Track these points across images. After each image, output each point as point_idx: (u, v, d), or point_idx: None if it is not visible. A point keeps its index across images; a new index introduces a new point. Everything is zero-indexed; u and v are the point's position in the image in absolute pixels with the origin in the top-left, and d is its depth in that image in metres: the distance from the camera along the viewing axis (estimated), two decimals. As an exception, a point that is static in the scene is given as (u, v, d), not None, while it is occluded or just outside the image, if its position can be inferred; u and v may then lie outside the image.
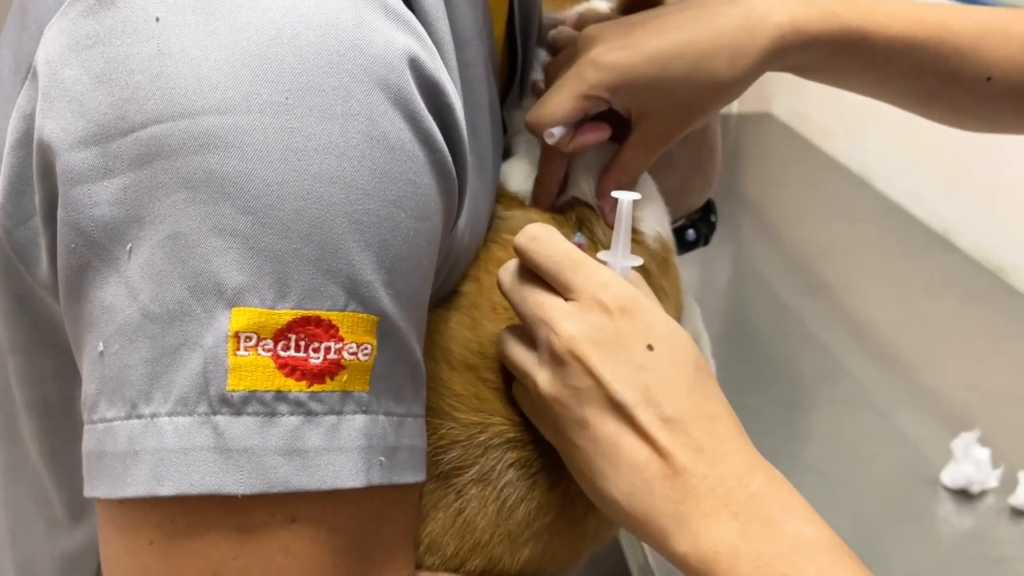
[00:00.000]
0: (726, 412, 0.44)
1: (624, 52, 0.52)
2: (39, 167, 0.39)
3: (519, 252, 0.47)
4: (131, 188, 0.36)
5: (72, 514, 0.54)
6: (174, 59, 0.35)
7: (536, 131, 0.54)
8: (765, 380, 1.12)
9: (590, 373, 0.43)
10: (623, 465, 0.42)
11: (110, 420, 0.37)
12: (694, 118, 0.55)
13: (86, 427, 0.38)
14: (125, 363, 0.36)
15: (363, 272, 0.37)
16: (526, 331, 0.47)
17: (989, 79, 0.57)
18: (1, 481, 0.58)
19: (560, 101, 0.53)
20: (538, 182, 0.58)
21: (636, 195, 0.48)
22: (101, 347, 0.37)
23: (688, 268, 0.63)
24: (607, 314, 0.44)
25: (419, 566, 0.48)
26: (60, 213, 0.38)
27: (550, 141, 0.53)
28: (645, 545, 0.87)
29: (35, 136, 0.38)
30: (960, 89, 0.58)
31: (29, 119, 0.39)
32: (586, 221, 0.56)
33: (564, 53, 0.59)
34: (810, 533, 0.41)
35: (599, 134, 0.55)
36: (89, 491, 0.38)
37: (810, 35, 0.53)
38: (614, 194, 0.48)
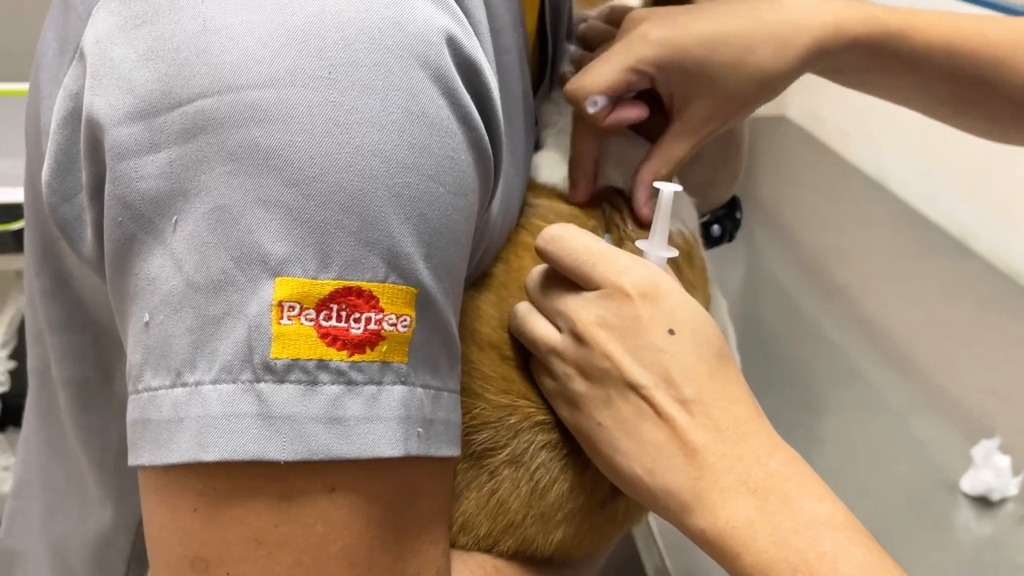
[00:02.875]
0: (746, 396, 0.45)
1: (675, 31, 0.53)
2: (87, 143, 0.39)
3: (541, 254, 0.48)
4: (177, 161, 0.36)
5: (104, 493, 0.55)
6: (219, 35, 0.36)
7: (577, 98, 0.54)
8: (781, 383, 1.12)
9: (608, 356, 0.44)
10: (645, 444, 0.44)
11: (155, 389, 0.37)
12: (737, 111, 0.55)
13: (131, 397, 0.39)
14: (170, 333, 0.37)
15: (403, 244, 0.37)
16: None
17: None
18: (40, 460, 0.59)
19: (606, 71, 0.53)
20: (573, 164, 0.58)
21: (678, 187, 0.48)
22: (147, 318, 0.38)
23: (712, 290, 0.62)
24: (627, 299, 0.45)
25: (453, 545, 0.48)
26: (108, 187, 0.38)
27: (591, 109, 0.53)
28: (662, 547, 0.86)
29: (83, 113, 0.39)
30: (998, 97, 0.58)
31: (76, 98, 0.40)
32: (616, 214, 0.56)
33: (602, 39, 0.60)
34: (826, 510, 0.41)
35: (638, 111, 0.55)
36: (133, 459, 0.38)
37: (852, 35, 0.54)
38: (656, 184, 0.48)
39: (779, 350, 1.20)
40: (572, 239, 0.47)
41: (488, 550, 0.49)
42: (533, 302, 0.49)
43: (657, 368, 0.44)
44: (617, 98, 0.54)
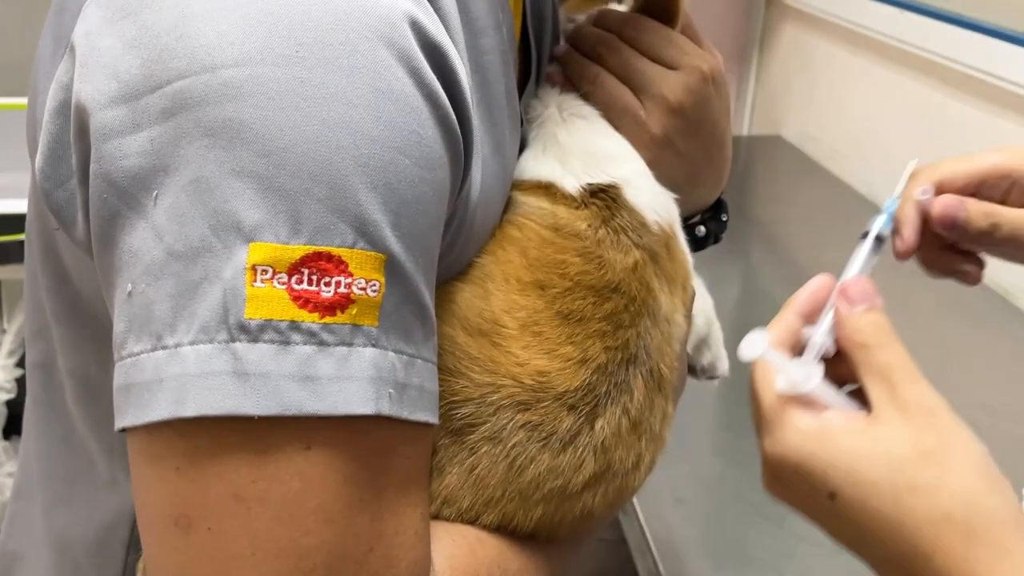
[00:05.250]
0: (944, 541, 0.39)
1: None
2: (76, 129, 0.41)
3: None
4: (157, 139, 0.39)
5: (113, 479, 0.56)
6: (196, 21, 0.39)
7: None
8: (774, 395, 1.13)
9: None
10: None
11: (137, 354, 0.39)
12: None
13: (116, 366, 0.41)
14: (151, 299, 0.39)
15: (370, 212, 0.39)
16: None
17: None
18: (41, 456, 0.60)
19: None
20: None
21: (762, 339, 0.45)
22: (129, 288, 0.40)
23: (697, 287, 0.64)
24: (784, 474, 0.43)
25: (437, 517, 0.50)
26: (92, 167, 0.40)
27: None
28: (655, 552, 0.88)
29: (72, 101, 0.41)
30: None
31: (67, 89, 0.42)
32: (607, 212, 0.57)
33: (590, 41, 0.61)
34: None
35: None
36: (119, 423, 0.40)
37: None
38: (744, 358, 0.45)
39: (773, 363, 1.22)
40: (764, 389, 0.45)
41: (471, 523, 0.50)
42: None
43: (839, 534, 0.42)
44: None
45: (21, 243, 1.29)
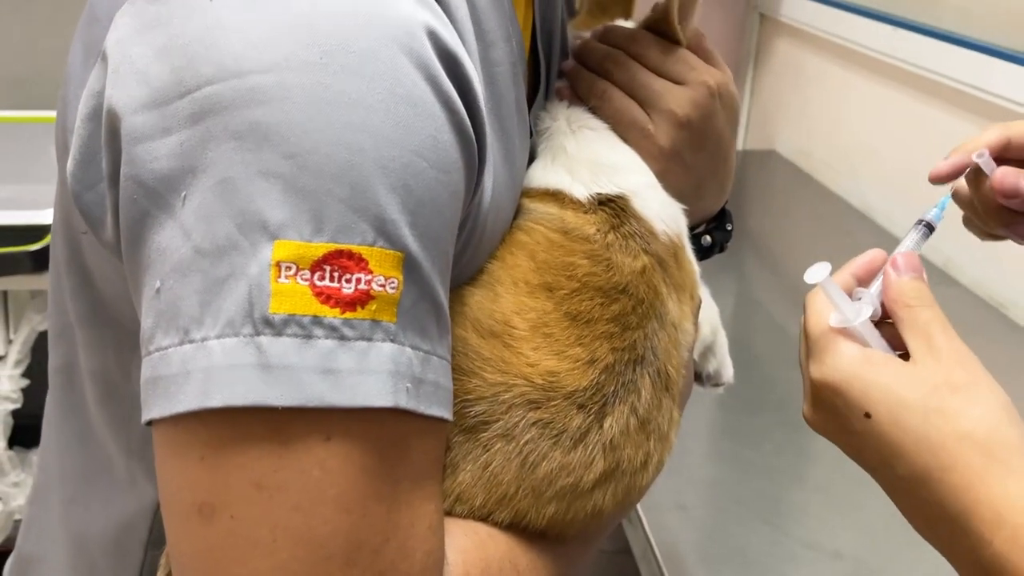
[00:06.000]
0: (963, 457, 0.44)
1: None
2: (107, 133, 0.43)
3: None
4: (186, 142, 0.40)
5: (135, 478, 0.58)
6: (224, 30, 0.40)
7: None
8: (772, 404, 1.15)
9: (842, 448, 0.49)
10: (913, 517, 0.47)
11: (165, 348, 0.41)
12: None
13: (143, 360, 0.42)
14: (179, 296, 0.40)
15: (389, 211, 0.41)
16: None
17: None
18: (60, 456, 0.62)
19: None
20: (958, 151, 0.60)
21: (826, 268, 0.51)
22: (158, 284, 0.41)
23: (703, 295, 0.65)
24: (825, 395, 0.49)
25: (450, 514, 0.50)
26: (123, 169, 0.42)
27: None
28: (659, 557, 0.89)
29: (104, 107, 0.43)
30: None
31: (99, 95, 0.44)
32: (615, 218, 0.58)
33: (596, 57, 0.63)
34: None
35: None
36: (145, 416, 0.41)
37: None
38: (808, 279, 0.51)
39: (770, 372, 1.23)
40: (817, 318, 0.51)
41: (483, 520, 0.51)
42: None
43: (869, 454, 0.47)
44: None
45: (27, 254, 1.30)
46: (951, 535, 0.44)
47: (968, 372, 0.46)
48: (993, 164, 0.57)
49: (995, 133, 0.58)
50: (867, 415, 0.46)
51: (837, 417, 0.48)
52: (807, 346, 0.51)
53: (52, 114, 1.48)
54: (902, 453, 0.45)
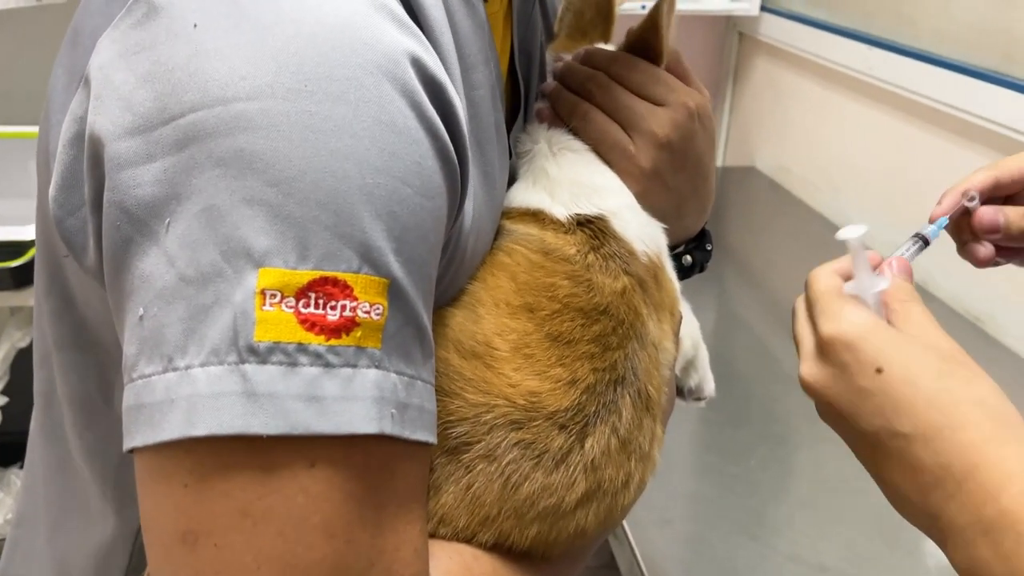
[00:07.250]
0: (974, 417, 0.45)
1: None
2: (89, 159, 0.43)
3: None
4: (170, 169, 0.40)
5: (106, 507, 0.57)
6: (209, 57, 0.40)
7: None
8: (755, 419, 1.16)
9: (838, 411, 0.49)
10: (889, 486, 0.48)
11: (148, 375, 0.40)
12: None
13: (126, 387, 0.41)
14: (163, 323, 0.40)
15: (374, 238, 0.41)
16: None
17: None
18: (45, 482, 0.61)
19: None
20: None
21: (861, 229, 0.53)
22: (141, 311, 0.41)
23: (684, 311, 0.66)
24: (835, 349, 0.49)
25: (433, 536, 0.50)
26: (107, 195, 0.42)
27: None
28: (644, 570, 0.89)
29: (87, 132, 0.42)
30: None
31: (81, 120, 0.43)
32: (595, 240, 0.59)
33: (578, 79, 0.64)
34: None
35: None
36: (128, 444, 0.41)
37: None
38: (841, 236, 0.53)
39: (751, 388, 1.24)
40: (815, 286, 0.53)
41: (467, 542, 0.51)
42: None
43: (875, 412, 0.47)
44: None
45: (7, 270, 1.29)
46: (948, 495, 0.44)
47: (967, 358, 0.48)
48: (978, 203, 0.62)
49: (984, 176, 0.61)
50: (879, 370, 0.47)
51: (844, 372, 0.49)
52: (812, 306, 0.53)
53: (34, 129, 1.47)
54: (910, 410, 0.46)
